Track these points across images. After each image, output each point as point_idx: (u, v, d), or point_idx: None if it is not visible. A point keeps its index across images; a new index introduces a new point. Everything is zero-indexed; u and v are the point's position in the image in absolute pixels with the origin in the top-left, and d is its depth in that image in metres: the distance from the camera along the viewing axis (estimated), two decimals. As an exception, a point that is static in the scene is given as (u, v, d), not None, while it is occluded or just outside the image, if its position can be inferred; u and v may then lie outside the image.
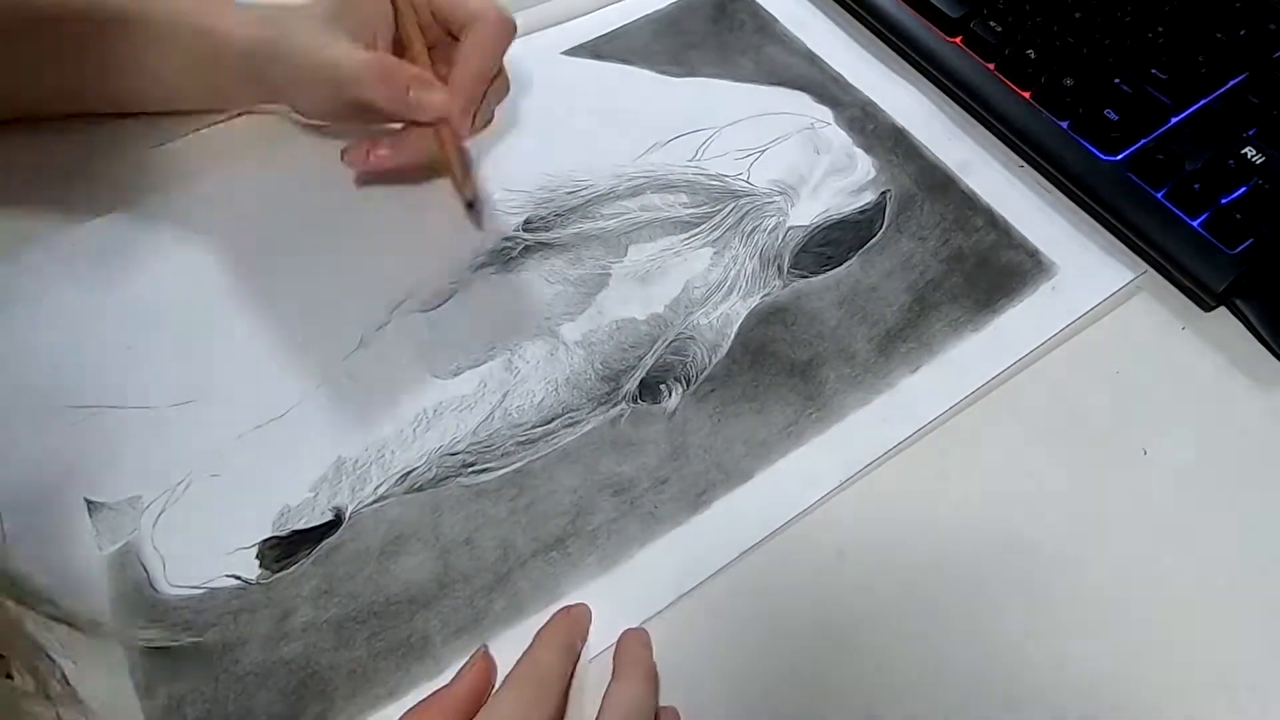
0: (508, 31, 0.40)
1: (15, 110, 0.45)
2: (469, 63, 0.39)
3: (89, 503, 0.36)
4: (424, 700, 0.31)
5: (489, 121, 0.44)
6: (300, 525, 0.36)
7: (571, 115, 0.48)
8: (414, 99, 0.38)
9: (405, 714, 0.31)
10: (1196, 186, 0.40)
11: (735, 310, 0.41)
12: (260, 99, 0.45)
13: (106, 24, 0.41)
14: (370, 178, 0.44)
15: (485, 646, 0.33)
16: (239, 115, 0.47)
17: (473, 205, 0.40)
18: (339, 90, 0.39)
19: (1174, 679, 0.32)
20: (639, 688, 0.31)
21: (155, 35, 0.41)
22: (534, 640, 0.32)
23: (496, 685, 0.32)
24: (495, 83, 0.42)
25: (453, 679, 0.32)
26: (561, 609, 0.34)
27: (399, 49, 0.42)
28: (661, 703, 0.32)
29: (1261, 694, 0.32)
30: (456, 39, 0.40)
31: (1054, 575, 0.34)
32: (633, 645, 0.33)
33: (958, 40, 0.47)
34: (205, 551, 0.35)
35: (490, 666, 0.33)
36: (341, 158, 0.42)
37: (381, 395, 0.39)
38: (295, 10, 0.41)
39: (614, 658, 0.33)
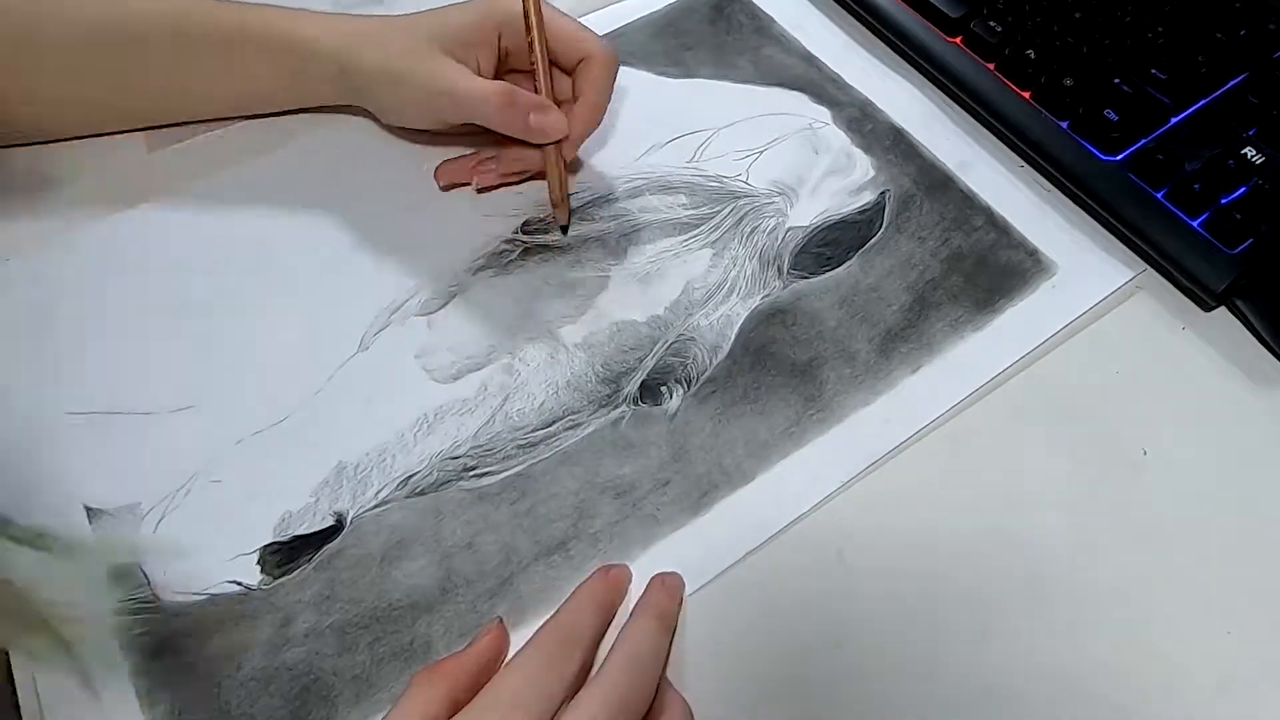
0: (616, 68, 0.43)
1: (102, 124, 0.46)
2: (588, 96, 0.42)
3: (89, 509, 0.36)
4: (433, 664, 0.31)
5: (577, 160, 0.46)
6: (301, 530, 0.36)
7: (570, 116, 0.48)
8: (535, 123, 0.41)
9: (414, 675, 0.31)
10: (1196, 186, 0.40)
11: (735, 311, 0.41)
12: (344, 101, 0.46)
13: (194, 41, 0.43)
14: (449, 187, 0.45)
15: (500, 618, 0.33)
16: (238, 120, 0.47)
17: (565, 230, 0.44)
18: (456, 113, 0.42)
19: (1174, 679, 0.32)
20: (648, 627, 0.32)
21: (244, 49, 0.43)
22: (566, 599, 0.33)
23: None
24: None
25: (465, 646, 0.32)
26: (601, 568, 0.34)
27: (498, 74, 0.43)
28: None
29: (1261, 693, 0.32)
30: (565, 72, 0.43)
31: (1054, 575, 0.34)
32: (655, 589, 0.33)
33: (958, 40, 0.47)
34: (206, 558, 0.35)
35: (503, 635, 0.33)
36: (436, 174, 0.45)
37: (382, 399, 0.39)
38: (392, 30, 0.42)
39: (636, 601, 0.33)
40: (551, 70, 0.42)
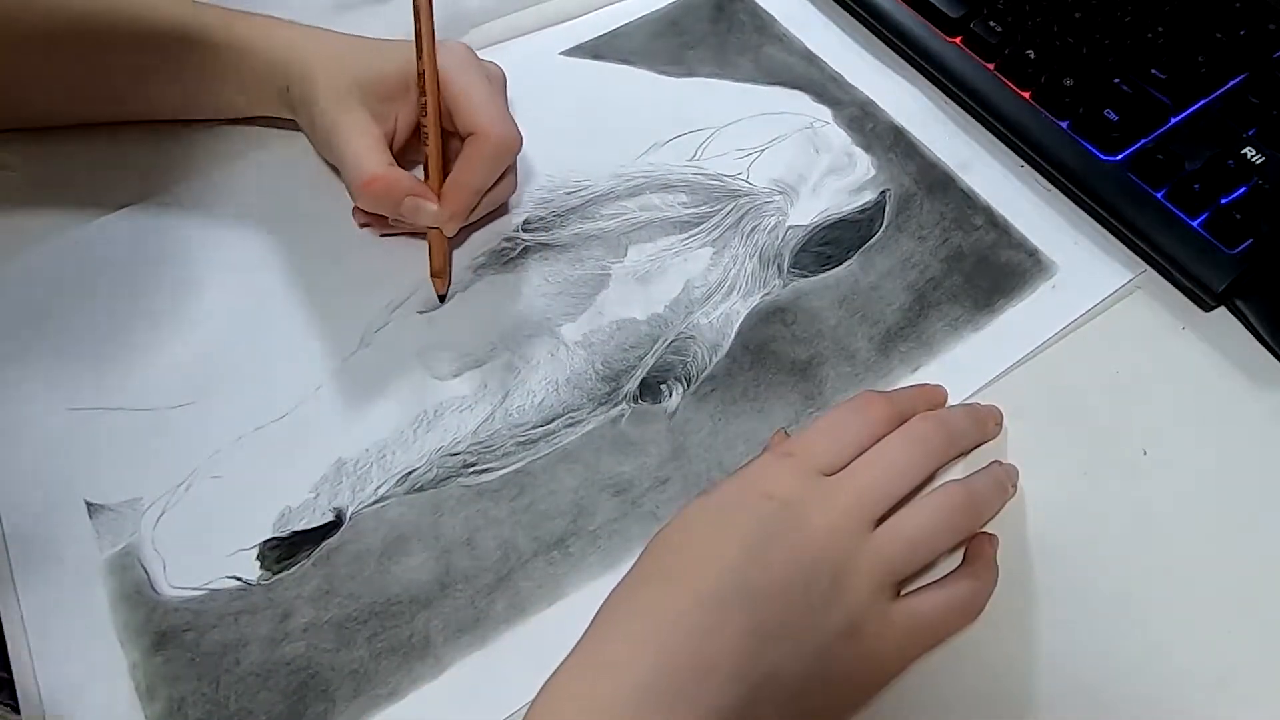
0: (507, 152, 0.40)
1: (64, 117, 0.46)
2: (462, 176, 0.40)
3: (89, 504, 0.36)
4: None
5: (496, 208, 0.44)
6: (301, 526, 0.36)
7: (571, 115, 0.48)
8: (408, 209, 0.39)
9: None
10: (1196, 186, 0.40)
11: (735, 310, 0.41)
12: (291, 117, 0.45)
13: (152, 45, 0.42)
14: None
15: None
16: (238, 121, 0.47)
17: (443, 300, 0.42)
18: (343, 174, 0.40)
19: (1174, 679, 0.32)
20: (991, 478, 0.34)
21: (213, 58, 0.42)
22: (957, 406, 0.37)
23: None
24: (501, 184, 0.42)
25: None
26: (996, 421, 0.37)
27: (421, 124, 0.42)
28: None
29: (1261, 693, 0.32)
30: (461, 140, 0.41)
31: (1054, 575, 0.34)
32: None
33: (958, 40, 0.47)
34: (206, 553, 0.35)
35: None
36: (353, 213, 0.43)
37: (382, 396, 0.39)
38: (329, 55, 0.41)
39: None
40: (447, 141, 0.41)
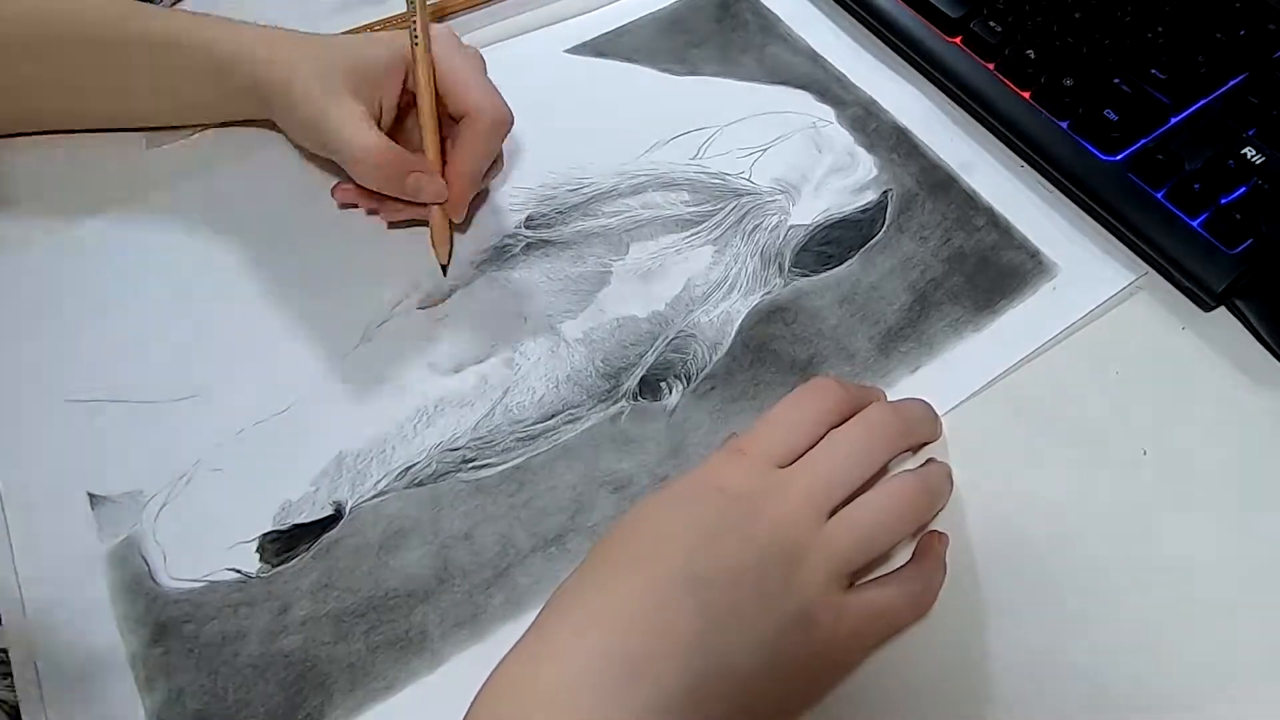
0: (501, 129, 0.41)
1: (38, 123, 0.46)
2: (462, 158, 0.40)
3: (91, 496, 0.37)
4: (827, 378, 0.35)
5: (482, 190, 0.44)
6: (300, 519, 0.36)
7: (574, 113, 0.48)
8: (411, 186, 0.39)
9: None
10: (1196, 186, 0.40)
11: (736, 308, 0.41)
12: (263, 116, 0.45)
13: (121, 47, 0.42)
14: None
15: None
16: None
17: (444, 270, 0.42)
18: (339, 159, 0.40)
19: (1174, 679, 0.32)
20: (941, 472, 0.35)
21: (174, 62, 0.42)
22: (905, 399, 0.36)
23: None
24: (493, 165, 0.42)
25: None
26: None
27: (403, 112, 0.42)
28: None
29: (1261, 694, 0.32)
30: (455, 122, 0.41)
31: (1053, 575, 0.34)
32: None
33: (958, 40, 0.47)
34: (206, 545, 0.35)
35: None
36: (332, 193, 0.43)
37: (383, 391, 0.39)
38: (306, 50, 0.41)
39: None
40: (443, 121, 0.41)
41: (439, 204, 0.41)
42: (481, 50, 0.43)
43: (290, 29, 0.43)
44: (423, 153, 0.41)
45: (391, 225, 0.44)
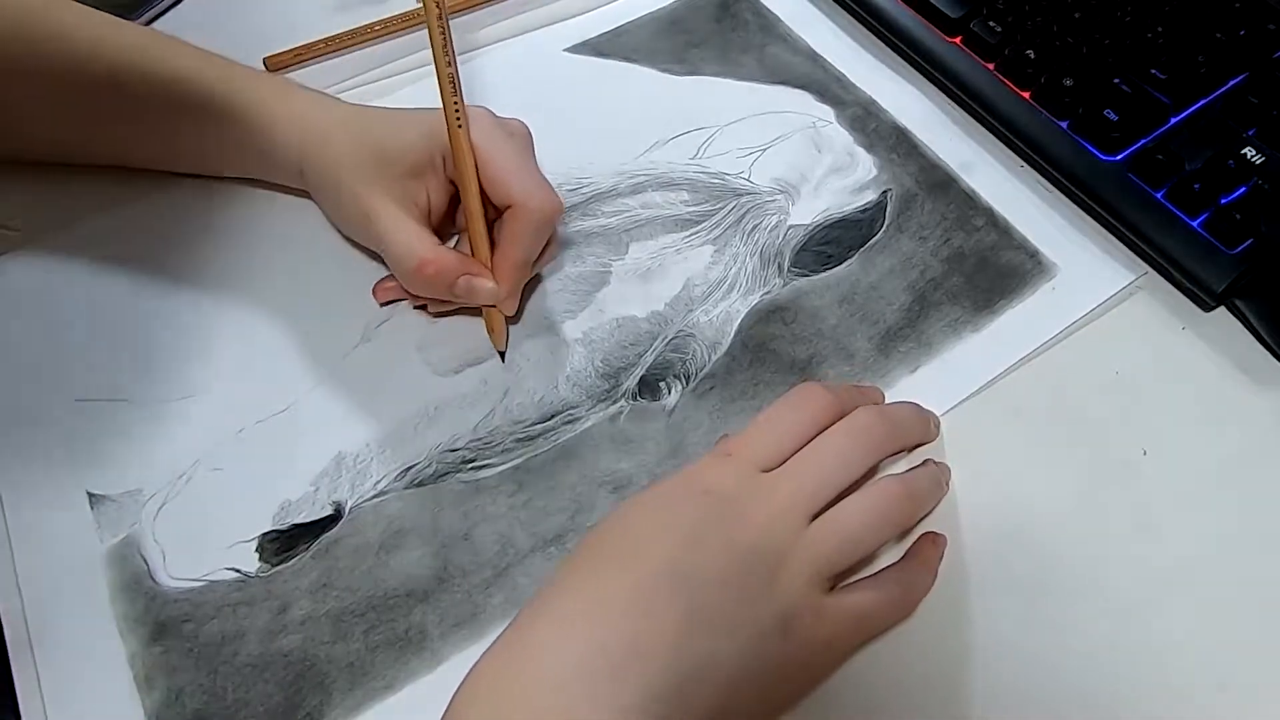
0: (549, 219, 0.38)
1: (70, 159, 0.45)
2: (510, 252, 0.38)
3: (91, 495, 0.37)
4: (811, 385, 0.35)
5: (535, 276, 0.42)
6: (300, 519, 0.36)
7: (574, 113, 0.48)
8: (463, 289, 0.38)
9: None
10: (1196, 186, 0.40)
11: (735, 308, 0.41)
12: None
13: (174, 106, 0.41)
14: None
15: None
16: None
17: (503, 355, 0.40)
18: (387, 263, 0.39)
19: (1174, 679, 0.32)
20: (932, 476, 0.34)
21: (219, 124, 0.41)
22: (898, 402, 0.37)
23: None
24: (545, 251, 0.40)
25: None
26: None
27: (451, 201, 0.41)
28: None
29: (1261, 694, 0.32)
30: (499, 211, 0.39)
31: (1053, 575, 0.34)
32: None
33: (958, 40, 0.47)
34: (205, 544, 0.35)
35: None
36: (374, 292, 0.41)
37: (382, 391, 0.39)
38: (348, 133, 0.39)
39: None
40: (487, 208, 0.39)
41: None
42: (481, 50, 0.42)
43: (316, 92, 0.42)
44: (468, 241, 0.39)
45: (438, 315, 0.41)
